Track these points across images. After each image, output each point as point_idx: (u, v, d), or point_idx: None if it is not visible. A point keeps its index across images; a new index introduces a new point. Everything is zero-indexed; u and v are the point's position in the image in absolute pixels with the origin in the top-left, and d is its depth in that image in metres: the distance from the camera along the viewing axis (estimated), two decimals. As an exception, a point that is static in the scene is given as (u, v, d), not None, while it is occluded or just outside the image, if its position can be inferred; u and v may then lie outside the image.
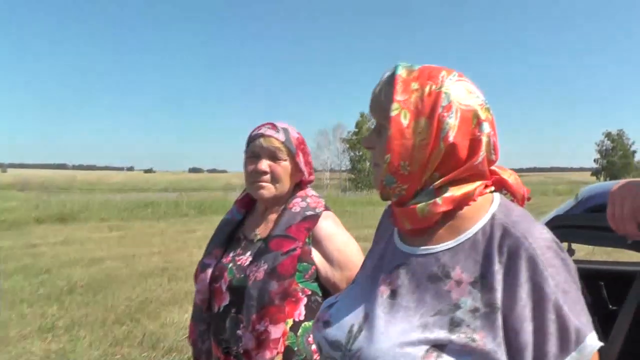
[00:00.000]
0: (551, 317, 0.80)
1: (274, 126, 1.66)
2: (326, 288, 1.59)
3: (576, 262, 2.53)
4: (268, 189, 1.64)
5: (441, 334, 0.83)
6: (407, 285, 0.92)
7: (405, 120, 0.91)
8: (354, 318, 0.94)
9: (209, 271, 1.64)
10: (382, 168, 0.94)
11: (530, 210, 0.99)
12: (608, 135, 77.51)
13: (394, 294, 0.92)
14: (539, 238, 0.86)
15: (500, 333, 0.82)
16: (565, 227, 1.60)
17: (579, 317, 0.82)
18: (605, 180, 67.78)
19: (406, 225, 0.97)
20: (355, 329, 0.92)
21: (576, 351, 0.80)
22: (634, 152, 76.41)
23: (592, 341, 0.82)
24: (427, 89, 0.92)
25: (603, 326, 1.46)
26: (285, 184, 1.66)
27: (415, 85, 0.93)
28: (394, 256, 1.00)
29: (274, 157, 1.63)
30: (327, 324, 0.99)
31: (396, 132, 0.91)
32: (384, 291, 0.94)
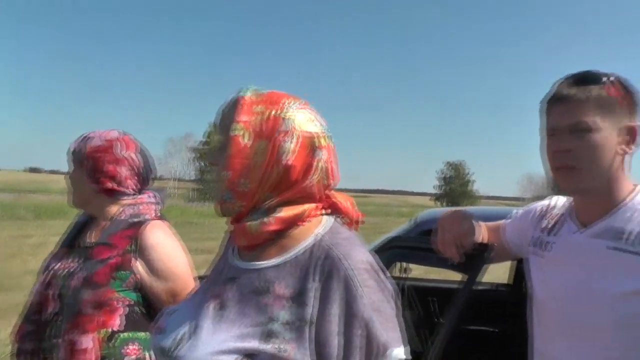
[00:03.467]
0: (359, 332, 0.88)
1: (83, 136, 1.71)
2: (149, 298, 1.57)
3: (413, 279, 2.79)
4: (70, 197, 1.72)
5: (254, 344, 0.88)
6: (234, 298, 0.96)
7: (245, 141, 0.96)
8: (185, 327, 0.97)
9: (45, 275, 1.61)
10: (222, 184, 0.99)
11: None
12: (449, 164, 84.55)
13: (222, 306, 0.96)
14: (357, 260, 0.93)
15: (310, 345, 0.87)
16: (400, 248, 1.76)
17: (389, 332, 0.91)
18: (446, 205, 73.92)
19: (241, 242, 1.02)
20: (183, 337, 0.95)
21: None
22: (473, 181, 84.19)
23: (399, 354, 0.91)
24: (269, 113, 0.98)
25: (433, 337, 1.63)
26: (80, 192, 1.70)
27: (258, 109, 0.98)
28: (228, 270, 1.04)
29: (70, 165, 1.71)
30: (161, 331, 1.01)
31: (236, 151, 0.96)
32: (213, 303, 0.98)
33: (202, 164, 60.66)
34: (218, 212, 1.04)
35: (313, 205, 1.02)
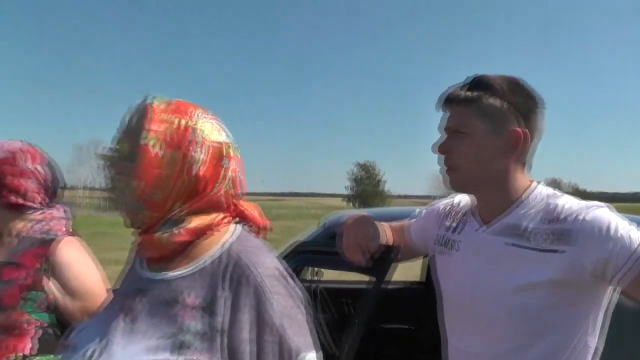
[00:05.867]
0: (270, 339, 0.89)
1: None
2: (64, 319, 1.49)
3: (325, 282, 2.79)
4: None
5: (165, 356, 0.86)
6: (144, 310, 0.94)
7: (154, 150, 0.94)
8: (95, 343, 0.94)
9: None
10: (131, 194, 0.96)
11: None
12: (359, 165, 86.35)
13: (132, 319, 0.94)
14: (267, 267, 0.94)
15: (222, 354, 0.87)
16: (309, 252, 1.75)
17: (300, 338, 0.92)
18: (358, 206, 75.34)
19: (149, 253, 1.00)
20: (94, 353, 0.92)
21: None
22: (383, 181, 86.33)
23: (311, 359, 0.92)
24: (179, 122, 0.97)
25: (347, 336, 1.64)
26: None
27: (168, 117, 0.97)
28: (136, 282, 1.02)
29: None
30: (70, 348, 0.98)
31: (146, 160, 0.94)
32: (124, 317, 0.96)
33: (112, 171, 58.17)
34: (127, 223, 1.02)
35: (221, 214, 1.02)
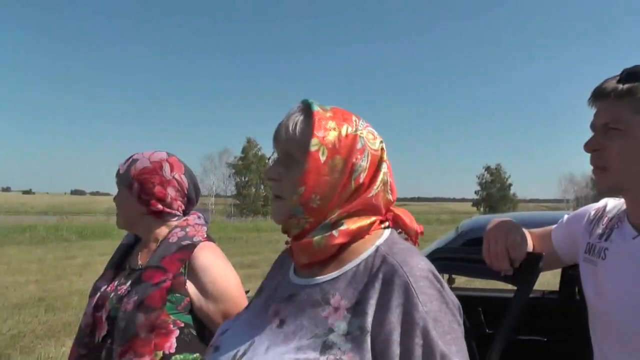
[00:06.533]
0: (418, 341, 0.84)
1: (129, 158, 1.73)
2: (201, 320, 1.57)
3: (456, 289, 2.73)
4: (117, 218, 1.74)
5: (312, 355, 0.86)
6: (292, 314, 0.96)
7: (322, 157, 0.95)
8: (241, 344, 0.96)
9: (96, 297, 1.62)
10: (289, 200, 0.97)
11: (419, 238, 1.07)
12: (487, 168, 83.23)
13: (281, 323, 0.96)
14: (415, 267, 0.91)
15: (368, 355, 0.85)
16: (445, 259, 1.72)
17: (448, 345, 0.86)
18: (484, 210, 72.66)
19: (302, 259, 1.00)
20: (239, 354, 0.94)
21: None
22: (510, 185, 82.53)
23: None
24: (344, 130, 0.98)
25: (480, 348, 1.58)
26: (125, 213, 1.71)
27: (332, 124, 0.97)
28: (286, 288, 1.03)
29: (118, 187, 1.73)
30: (216, 349, 1.00)
31: (313, 167, 0.94)
32: (273, 321, 0.97)
33: (240, 179, 61.55)
34: (283, 227, 1.03)
35: (376, 218, 1.02)
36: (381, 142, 1.04)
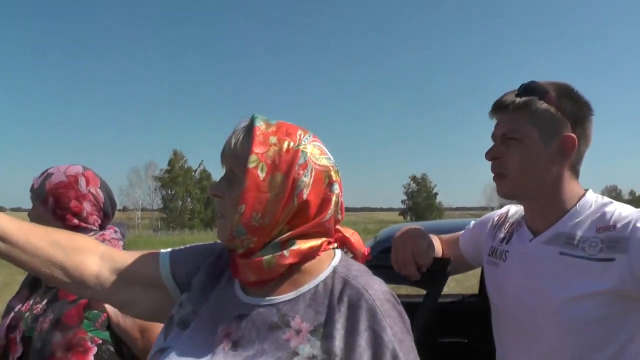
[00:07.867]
0: None
1: (44, 172, 1.69)
2: (119, 336, 1.55)
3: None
4: None
5: None
6: (248, 336, 0.93)
7: (262, 174, 0.92)
8: None
9: (9, 317, 1.57)
10: (232, 219, 0.94)
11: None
12: (413, 178, 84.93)
13: (235, 345, 0.93)
14: (379, 291, 0.93)
15: None
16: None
17: None
18: (411, 219, 74.11)
19: (250, 277, 0.97)
20: None
21: None
22: (436, 194, 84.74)
23: None
24: (285, 145, 0.95)
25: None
26: None
27: (273, 140, 0.95)
28: (235, 306, 0.99)
29: (32, 202, 1.68)
30: None
31: (252, 184, 0.92)
32: (224, 342, 0.94)
33: (166, 192, 59.90)
34: (229, 246, 1.00)
35: (326, 239, 1.01)
36: (331, 160, 1.02)
